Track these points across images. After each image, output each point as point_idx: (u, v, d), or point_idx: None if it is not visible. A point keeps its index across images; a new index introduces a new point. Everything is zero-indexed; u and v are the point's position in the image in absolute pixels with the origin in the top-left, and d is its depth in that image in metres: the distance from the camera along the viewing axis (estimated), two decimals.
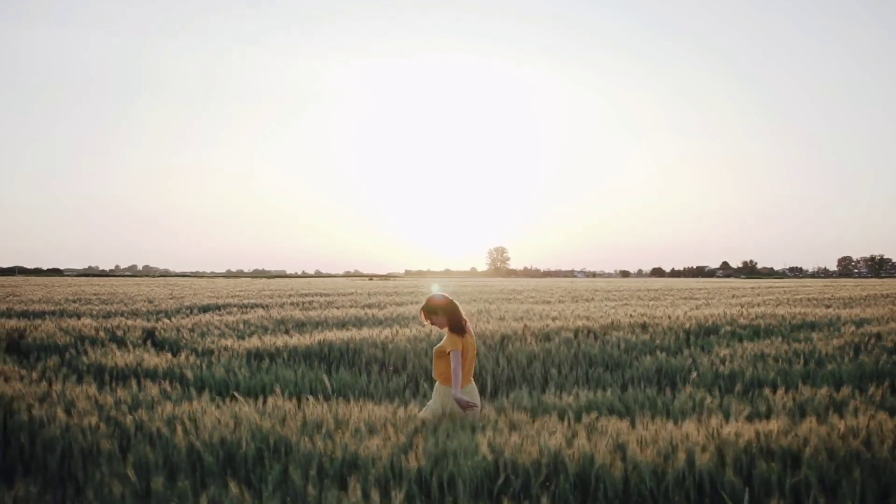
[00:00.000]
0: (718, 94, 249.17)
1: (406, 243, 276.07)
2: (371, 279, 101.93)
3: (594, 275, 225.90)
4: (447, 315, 5.37)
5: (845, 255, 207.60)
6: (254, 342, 10.23)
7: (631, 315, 12.75)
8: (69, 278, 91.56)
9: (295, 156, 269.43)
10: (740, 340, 9.92)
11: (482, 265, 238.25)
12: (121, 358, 9.07)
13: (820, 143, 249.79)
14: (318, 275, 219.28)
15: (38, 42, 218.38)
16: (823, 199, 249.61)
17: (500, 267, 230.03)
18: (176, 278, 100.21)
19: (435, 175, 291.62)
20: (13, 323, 12.77)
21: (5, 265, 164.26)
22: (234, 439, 4.57)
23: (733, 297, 25.70)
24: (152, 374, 8.18)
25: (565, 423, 4.72)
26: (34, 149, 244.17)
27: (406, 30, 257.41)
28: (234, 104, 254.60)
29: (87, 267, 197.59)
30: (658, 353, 8.68)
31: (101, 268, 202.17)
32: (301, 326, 13.13)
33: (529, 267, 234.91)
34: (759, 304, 18.83)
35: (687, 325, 10.95)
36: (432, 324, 5.51)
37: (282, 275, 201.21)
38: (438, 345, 5.46)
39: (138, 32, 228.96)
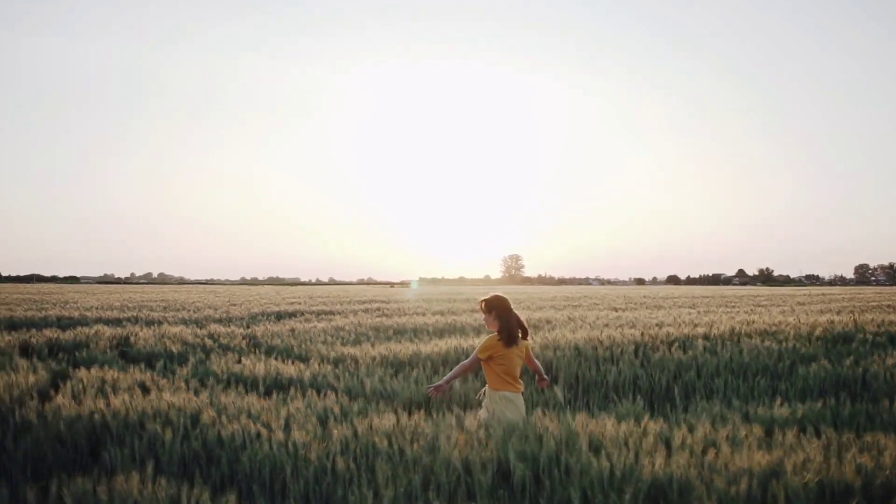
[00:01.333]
0: (733, 101, 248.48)
1: (418, 251, 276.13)
2: (392, 286, 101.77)
3: (609, 282, 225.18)
4: (499, 318, 5.35)
5: (862, 262, 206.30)
6: (375, 349, 10.03)
7: (746, 322, 12.44)
8: (96, 286, 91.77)
9: (305, 163, 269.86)
10: (883, 348, 9.60)
11: (496, 273, 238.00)
12: (253, 366, 8.84)
13: (836, 148, 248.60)
14: (333, 282, 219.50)
15: (49, 50, 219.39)
16: (839, 205, 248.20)
17: (514, 274, 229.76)
18: (203, 286, 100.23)
19: (446, 182, 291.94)
20: (111, 331, 12.57)
21: (22, 273, 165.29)
22: (489, 459, 4.26)
23: (799, 304, 25.24)
24: (298, 383, 7.94)
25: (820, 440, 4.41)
26: (48, 157, 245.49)
27: (412, 36, 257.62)
28: (244, 111, 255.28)
29: (102, 275, 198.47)
30: (821, 361, 8.37)
31: (116, 275, 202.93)
32: (400, 334, 12.89)
33: (544, 275, 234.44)
34: (845, 311, 18.39)
35: (816, 332, 10.63)
36: (485, 320, 5.49)
37: (296, 282, 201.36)
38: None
39: (153, 39, 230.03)
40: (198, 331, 12.77)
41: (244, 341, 11.74)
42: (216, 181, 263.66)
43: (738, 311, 18.18)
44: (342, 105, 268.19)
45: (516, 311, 5.44)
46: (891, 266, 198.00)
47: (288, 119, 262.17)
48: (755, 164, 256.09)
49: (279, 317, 17.45)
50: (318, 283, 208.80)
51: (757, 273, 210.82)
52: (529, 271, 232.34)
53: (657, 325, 12.73)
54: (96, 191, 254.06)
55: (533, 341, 9.90)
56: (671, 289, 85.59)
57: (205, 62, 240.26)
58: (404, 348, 10.03)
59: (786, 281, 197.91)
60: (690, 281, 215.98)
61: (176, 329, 12.70)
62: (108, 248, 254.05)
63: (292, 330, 13.19)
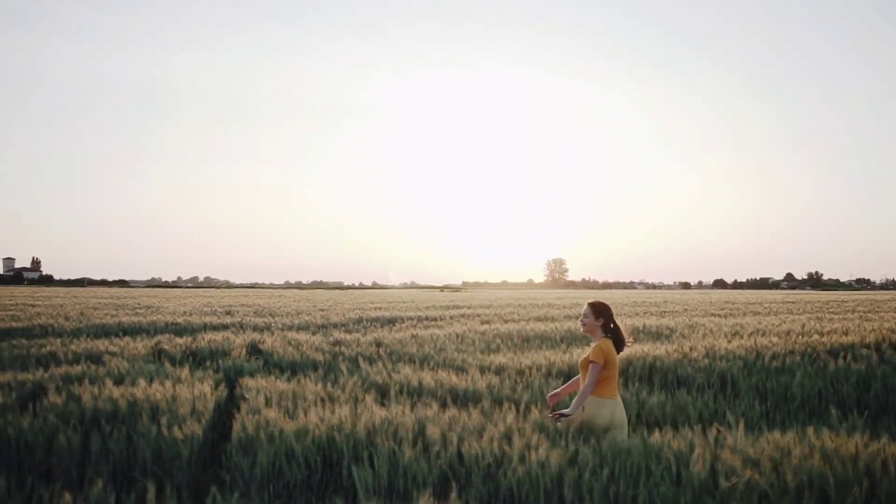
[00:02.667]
0: (775, 104, 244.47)
1: (461, 254, 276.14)
2: (442, 290, 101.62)
3: (654, 286, 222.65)
4: (604, 325, 5.45)
5: None
6: (522, 358, 9.68)
7: (892, 330, 11.89)
8: (156, 290, 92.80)
9: (345, 168, 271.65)
10: None
11: (539, 276, 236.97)
12: (415, 375, 8.54)
13: (888, 150, 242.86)
14: (375, 286, 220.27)
15: (126, 61, 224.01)
16: (889, 207, 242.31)
17: (558, 278, 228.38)
18: (254, 289, 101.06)
19: (488, 186, 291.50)
20: (249, 336, 12.41)
21: (74, 276, 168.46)
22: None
23: (854, 311, 24.21)
24: (480, 396, 7.61)
25: None
26: (97, 163, 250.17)
27: (451, 41, 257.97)
28: (284, 116, 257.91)
29: (150, 278, 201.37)
30: None
31: (163, 279, 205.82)
32: (527, 341, 12.58)
33: (588, 278, 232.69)
34: None
35: None
36: (584, 327, 5.57)
37: (340, 286, 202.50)
38: (584, 355, 5.48)
39: (189, 46, 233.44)
40: (322, 338, 12.56)
41: (373, 348, 11.46)
42: (258, 186, 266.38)
43: (852, 318, 17.51)
44: (380, 110, 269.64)
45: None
46: None
47: (326, 125, 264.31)
48: (802, 166, 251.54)
49: (383, 323, 17.19)
50: (362, 286, 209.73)
51: (806, 277, 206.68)
52: (573, 275, 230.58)
53: (799, 332, 12.22)
54: (143, 197, 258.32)
55: (668, 351, 9.53)
56: (734, 293, 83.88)
57: (243, 67, 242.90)
58: (557, 357, 9.69)
59: (836, 285, 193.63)
60: (737, 285, 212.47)
61: (301, 336, 12.50)
62: (154, 253, 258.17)
63: (413, 336, 12.91)
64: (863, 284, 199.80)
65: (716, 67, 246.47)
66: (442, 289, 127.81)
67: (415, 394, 7.84)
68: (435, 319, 18.17)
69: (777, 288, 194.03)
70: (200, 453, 5.85)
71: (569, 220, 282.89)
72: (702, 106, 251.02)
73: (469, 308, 24.42)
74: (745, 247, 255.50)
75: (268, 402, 6.71)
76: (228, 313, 20.81)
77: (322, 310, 23.09)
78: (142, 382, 7.57)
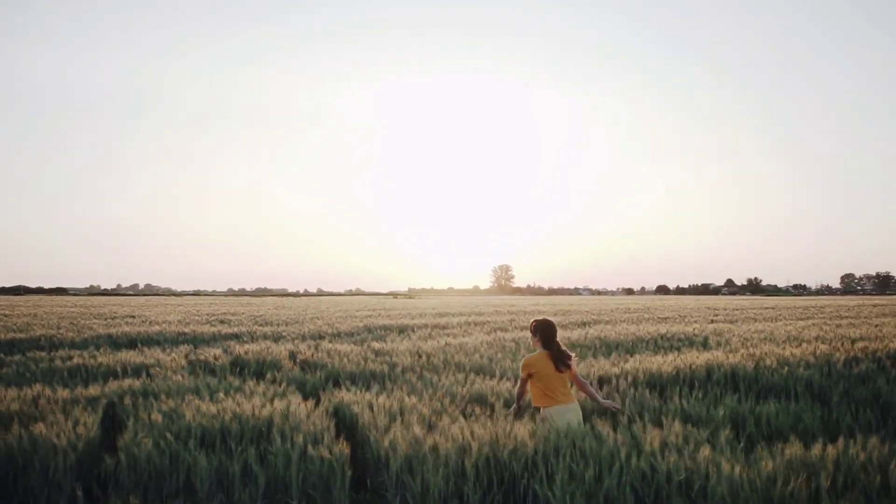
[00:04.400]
0: (722, 114, 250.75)
1: (406, 261, 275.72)
2: (395, 297, 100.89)
3: (598, 292, 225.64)
4: (542, 342, 6.18)
5: (847, 272, 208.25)
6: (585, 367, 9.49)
7: None
8: (102, 297, 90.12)
9: (294, 175, 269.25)
10: None
11: (484, 283, 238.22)
12: (493, 386, 8.25)
13: (822, 161, 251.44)
14: (321, 293, 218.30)
15: (41, 63, 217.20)
16: (824, 216, 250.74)
17: (504, 285, 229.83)
18: (198, 297, 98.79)
19: (434, 194, 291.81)
20: (282, 347, 11.93)
21: (8, 284, 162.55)
22: None
23: (842, 316, 24.76)
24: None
25: None
26: (33, 169, 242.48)
27: (410, 50, 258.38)
28: (229, 125, 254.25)
29: (88, 286, 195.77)
30: None
31: (102, 287, 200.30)
32: (593, 346, 12.44)
33: (533, 285, 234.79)
34: None
35: None
36: (532, 341, 6.29)
37: (284, 293, 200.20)
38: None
39: (145, 53, 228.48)
40: (359, 348, 12.17)
41: (417, 358, 11.08)
42: (202, 193, 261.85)
43: (856, 323, 17.80)
44: (332, 118, 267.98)
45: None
46: (878, 275, 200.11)
47: (275, 132, 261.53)
48: (744, 177, 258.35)
49: (395, 332, 16.80)
50: (307, 294, 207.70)
51: (745, 283, 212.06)
52: (518, 281, 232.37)
53: (838, 339, 12.31)
54: (79, 203, 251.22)
55: (732, 354, 9.46)
56: (679, 298, 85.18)
57: (194, 75, 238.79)
58: (608, 366, 9.51)
59: (774, 291, 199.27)
60: (680, 291, 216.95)
61: (341, 346, 12.07)
62: (92, 260, 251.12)
63: (447, 345, 12.62)
64: (799, 290, 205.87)
65: (669, 79, 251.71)
66: (395, 296, 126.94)
67: (510, 404, 7.57)
68: (444, 327, 17.86)
69: (718, 293, 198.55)
70: (353, 474, 5.49)
71: (514, 228, 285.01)
72: (645, 118, 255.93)
73: (462, 315, 24.13)
74: (687, 254, 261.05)
75: (390, 418, 6.37)
76: (223, 322, 20.16)
77: (315, 318, 22.52)
78: (221, 396, 7.18)
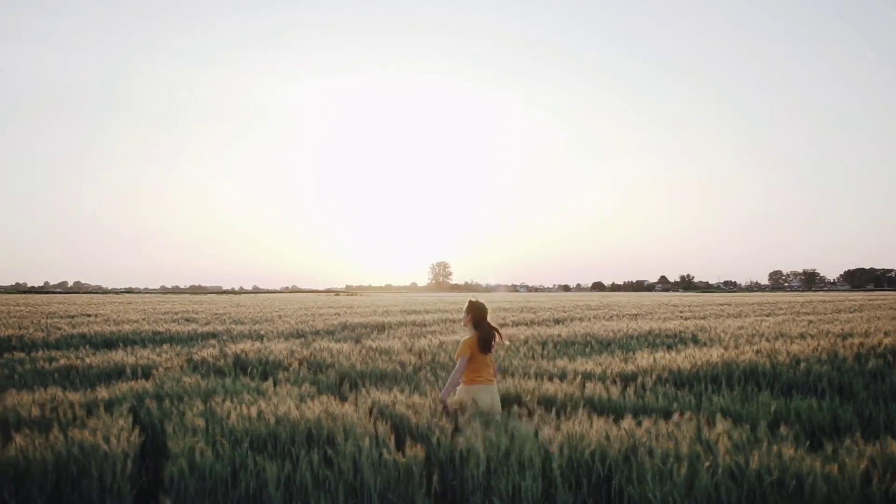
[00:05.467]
0: (652, 115, 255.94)
1: (342, 259, 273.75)
2: (337, 294, 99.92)
3: (536, 289, 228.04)
4: (473, 321, 6.52)
5: (775, 269, 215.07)
6: (592, 363, 9.46)
7: None
8: (34, 296, 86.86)
9: (229, 172, 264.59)
10: None
11: (422, 280, 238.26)
12: (519, 385, 8.17)
13: (751, 161, 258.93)
14: (257, 290, 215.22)
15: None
16: (752, 214, 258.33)
17: (442, 282, 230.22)
18: (133, 294, 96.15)
19: (373, 191, 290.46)
20: (277, 345, 11.56)
21: None
22: None
23: (801, 312, 25.45)
24: (609, 407, 7.33)
25: None
26: None
27: (357, 49, 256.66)
28: (167, 123, 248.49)
29: (14, 283, 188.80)
30: None
31: (29, 284, 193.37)
32: (569, 346, 12.38)
33: (470, 282, 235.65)
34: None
35: None
36: (464, 319, 6.65)
37: (219, 290, 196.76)
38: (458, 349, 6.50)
39: (93, 51, 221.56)
40: (351, 346, 11.91)
41: (414, 358, 10.83)
42: (129, 190, 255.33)
43: (836, 318, 18.28)
44: (269, 116, 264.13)
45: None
46: (804, 272, 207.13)
47: (211, 130, 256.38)
48: (672, 176, 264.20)
49: (372, 330, 16.54)
50: (242, 291, 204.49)
51: (678, 279, 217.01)
52: (456, 278, 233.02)
53: (833, 335, 12.57)
54: (5, 199, 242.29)
55: (739, 351, 9.56)
56: (636, 295, 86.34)
57: (144, 73, 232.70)
58: (616, 363, 9.53)
59: (706, 287, 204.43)
60: (615, 287, 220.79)
61: (334, 345, 11.79)
62: (17, 257, 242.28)
63: (442, 344, 12.45)
64: (730, 287, 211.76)
65: (620, 78, 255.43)
66: (337, 293, 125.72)
67: (549, 403, 7.47)
68: (421, 325, 17.67)
69: (652, 290, 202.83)
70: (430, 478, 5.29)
71: (450, 225, 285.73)
72: (582, 117, 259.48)
73: (430, 313, 23.97)
74: (620, 252, 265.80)
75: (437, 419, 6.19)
76: (189, 321, 19.58)
77: (283, 317, 22.03)
78: (246, 398, 6.91)
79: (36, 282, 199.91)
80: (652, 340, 13.33)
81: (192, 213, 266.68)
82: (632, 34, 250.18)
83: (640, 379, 8.52)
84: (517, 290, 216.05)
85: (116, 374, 9.81)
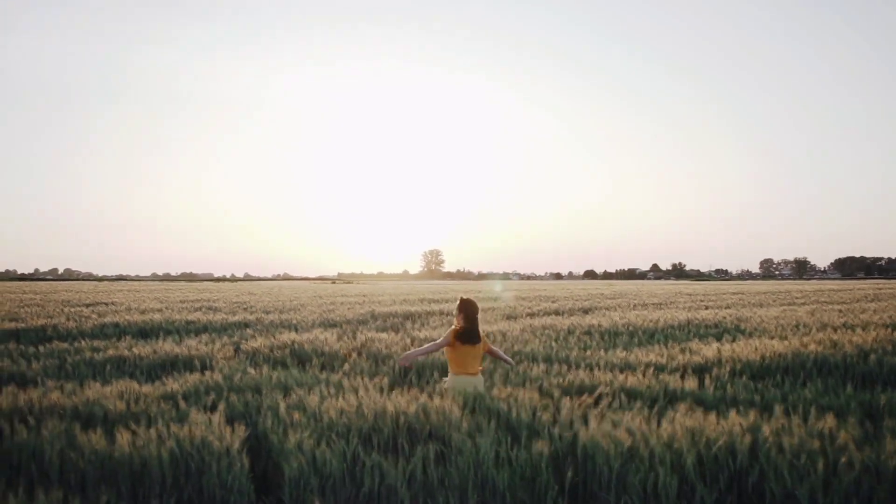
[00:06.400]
0: (645, 103, 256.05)
1: (333, 246, 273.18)
2: (334, 282, 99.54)
3: (528, 277, 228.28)
4: (465, 319, 6.88)
5: (766, 257, 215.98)
6: (651, 354, 9.35)
7: None
8: (61, 283, 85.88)
9: (221, 160, 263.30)
10: None
11: (414, 268, 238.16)
12: (589, 377, 8.02)
13: (742, 150, 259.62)
14: (248, 278, 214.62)
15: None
16: (744, 202, 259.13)
17: (434, 269, 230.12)
18: (128, 282, 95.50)
19: (370, 181, 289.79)
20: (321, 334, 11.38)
21: None
22: None
23: (823, 301, 25.45)
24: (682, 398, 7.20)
25: None
26: None
27: (341, 40, 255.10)
28: (160, 110, 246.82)
29: (4, 270, 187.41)
30: None
31: (19, 271, 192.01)
32: (616, 336, 12.28)
33: (463, 269, 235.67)
34: None
35: None
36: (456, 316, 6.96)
37: (210, 278, 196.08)
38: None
39: (89, 41, 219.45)
40: (396, 336, 11.76)
41: None
42: (118, 178, 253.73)
43: (845, 308, 18.25)
44: (262, 105, 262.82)
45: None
46: (795, 260, 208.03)
47: (205, 119, 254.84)
48: (663, 164, 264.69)
49: (404, 319, 16.38)
50: (234, 278, 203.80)
51: (670, 267, 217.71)
52: (449, 266, 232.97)
53: (873, 325, 12.52)
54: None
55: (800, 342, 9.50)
56: (633, 283, 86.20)
57: (122, 59, 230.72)
58: (675, 354, 9.42)
59: (698, 275, 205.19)
60: (607, 275, 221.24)
61: (381, 336, 11.63)
62: (7, 244, 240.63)
63: (489, 334, 12.33)
64: (721, 275, 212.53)
65: (604, 66, 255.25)
66: (333, 281, 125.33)
67: (632, 396, 7.33)
68: (449, 314, 17.51)
69: (644, 278, 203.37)
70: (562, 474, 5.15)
71: (441, 213, 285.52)
72: (572, 107, 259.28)
73: (447, 302, 23.74)
74: (611, 239, 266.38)
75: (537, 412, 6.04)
76: (212, 309, 19.37)
77: (302, 305, 21.79)
78: (325, 391, 6.75)
79: (26, 269, 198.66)
80: (695, 330, 13.23)
81: (182, 201, 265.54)
82: (622, 26, 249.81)
83: (713, 371, 8.43)
84: (509, 278, 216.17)
85: (170, 365, 9.65)
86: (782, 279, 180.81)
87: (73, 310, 18.45)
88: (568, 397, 6.37)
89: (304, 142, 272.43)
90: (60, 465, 4.91)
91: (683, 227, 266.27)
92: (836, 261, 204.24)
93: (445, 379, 7.19)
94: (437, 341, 7.05)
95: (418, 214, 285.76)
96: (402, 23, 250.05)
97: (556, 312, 18.43)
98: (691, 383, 7.71)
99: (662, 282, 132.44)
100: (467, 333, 6.83)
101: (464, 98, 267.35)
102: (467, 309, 6.92)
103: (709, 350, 9.67)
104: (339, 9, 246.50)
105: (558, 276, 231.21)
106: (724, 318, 14.94)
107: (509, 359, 7.92)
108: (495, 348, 7.50)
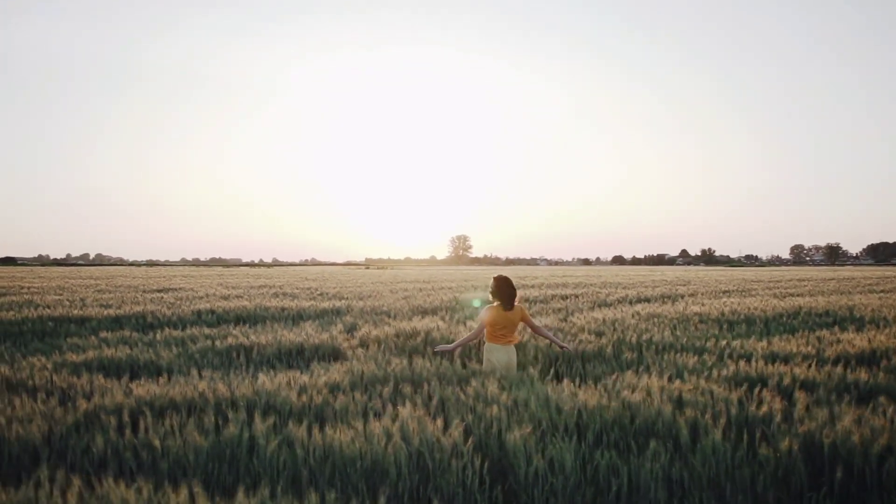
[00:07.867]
0: (681, 89, 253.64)
1: (360, 231, 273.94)
2: (367, 268, 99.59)
3: (556, 263, 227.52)
4: (499, 290, 7.13)
5: (797, 243, 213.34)
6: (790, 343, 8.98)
7: None
8: (91, 268, 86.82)
9: (250, 146, 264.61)
10: None
11: (441, 253, 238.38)
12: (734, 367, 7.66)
13: (775, 135, 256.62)
14: (277, 263, 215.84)
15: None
16: (775, 188, 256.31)
17: (461, 255, 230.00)
18: (180, 267, 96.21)
19: (392, 164, 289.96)
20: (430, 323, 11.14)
21: None
22: None
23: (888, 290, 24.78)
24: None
25: None
26: None
27: (372, 24, 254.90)
28: (191, 98, 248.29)
29: (37, 255, 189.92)
30: None
31: (51, 256, 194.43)
32: (730, 325, 11.92)
33: (490, 255, 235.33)
34: None
35: None
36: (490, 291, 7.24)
37: (238, 263, 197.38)
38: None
39: (102, 28, 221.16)
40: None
41: (596, 337, 10.37)
42: (153, 163, 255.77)
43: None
44: (289, 92, 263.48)
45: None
46: (828, 246, 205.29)
47: (232, 106, 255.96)
48: (695, 149, 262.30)
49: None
50: (262, 264, 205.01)
51: (699, 253, 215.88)
52: (476, 252, 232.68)
53: None
54: (25, 171, 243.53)
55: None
56: (667, 269, 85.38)
57: (157, 48, 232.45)
58: (862, 344, 9.04)
59: (727, 261, 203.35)
60: (636, 261, 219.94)
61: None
62: (40, 228, 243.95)
63: (604, 320, 12.04)
64: (751, 260, 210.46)
65: (631, 53, 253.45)
66: (368, 266, 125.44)
67: (810, 388, 6.98)
68: (532, 301, 17.24)
69: (673, 264, 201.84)
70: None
71: (473, 199, 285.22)
72: (603, 92, 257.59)
73: (532, 288, 23.38)
74: (639, 224, 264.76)
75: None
76: (286, 295, 19.26)
77: (378, 292, 21.59)
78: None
79: (58, 254, 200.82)
80: (804, 319, 12.85)
81: (209, 187, 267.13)
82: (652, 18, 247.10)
83: (882, 362, 8.07)
84: (537, 264, 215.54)
85: (297, 353, 9.45)
86: (813, 265, 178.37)
87: (150, 296, 18.37)
88: (766, 390, 6.09)
89: (330, 128, 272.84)
90: (292, 462, 4.66)
91: (710, 213, 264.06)
92: (868, 246, 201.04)
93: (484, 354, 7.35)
94: (473, 331, 7.40)
95: (444, 200, 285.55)
96: (433, 6, 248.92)
97: (644, 300, 18.06)
98: (862, 374, 7.35)
99: (694, 268, 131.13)
100: (508, 299, 7.09)
101: (493, 85, 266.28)
102: (499, 282, 7.20)
103: (859, 340, 9.29)
104: None
105: (586, 262, 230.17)
106: (827, 306, 14.50)
107: (559, 340, 8.15)
108: (537, 323, 7.67)
